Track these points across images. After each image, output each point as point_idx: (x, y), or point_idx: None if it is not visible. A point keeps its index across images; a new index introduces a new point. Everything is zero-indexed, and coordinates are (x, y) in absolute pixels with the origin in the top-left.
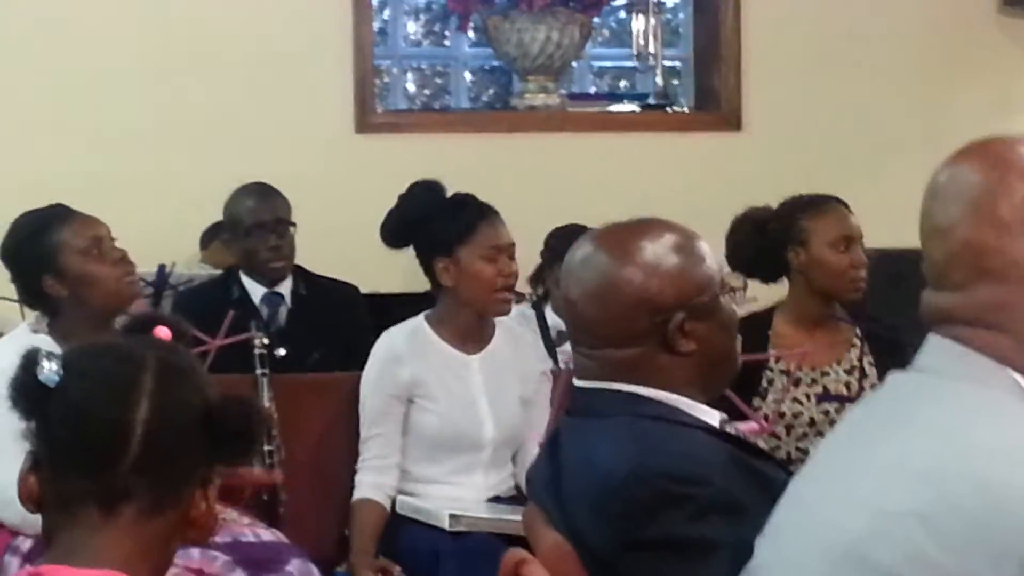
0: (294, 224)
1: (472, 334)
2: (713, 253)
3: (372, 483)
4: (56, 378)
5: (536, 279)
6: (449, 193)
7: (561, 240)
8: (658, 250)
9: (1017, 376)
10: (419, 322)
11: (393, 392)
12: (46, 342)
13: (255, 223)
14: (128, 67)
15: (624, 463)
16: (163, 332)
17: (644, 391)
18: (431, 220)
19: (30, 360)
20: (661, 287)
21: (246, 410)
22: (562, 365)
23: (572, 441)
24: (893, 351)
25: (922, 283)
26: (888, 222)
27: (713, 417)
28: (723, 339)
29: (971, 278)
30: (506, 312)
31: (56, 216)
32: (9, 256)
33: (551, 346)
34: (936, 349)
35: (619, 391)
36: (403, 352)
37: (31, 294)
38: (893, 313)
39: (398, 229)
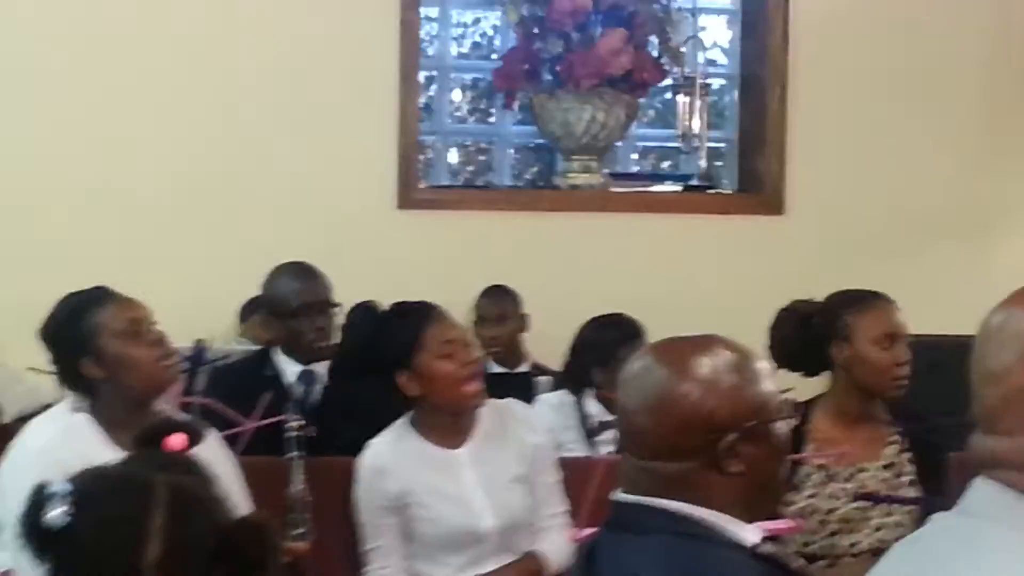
0: (339, 305)
1: (454, 430)
2: (771, 374)
3: None
4: (64, 521)
5: (576, 369)
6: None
7: (598, 331)
8: (717, 367)
9: None
10: (402, 426)
11: (383, 504)
12: (86, 422)
13: (302, 304)
14: (170, 136)
15: None
16: (176, 442)
17: (686, 509)
18: (376, 341)
19: (38, 500)
20: (717, 405)
21: (261, 536)
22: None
23: (609, 558)
24: (933, 453)
25: (960, 371)
26: (929, 309)
27: (755, 534)
28: (772, 464)
29: None
30: (480, 404)
31: (95, 298)
32: (48, 337)
33: (589, 436)
34: (984, 493)
35: (661, 509)
36: (387, 463)
37: (69, 376)
38: (930, 400)
39: (351, 362)
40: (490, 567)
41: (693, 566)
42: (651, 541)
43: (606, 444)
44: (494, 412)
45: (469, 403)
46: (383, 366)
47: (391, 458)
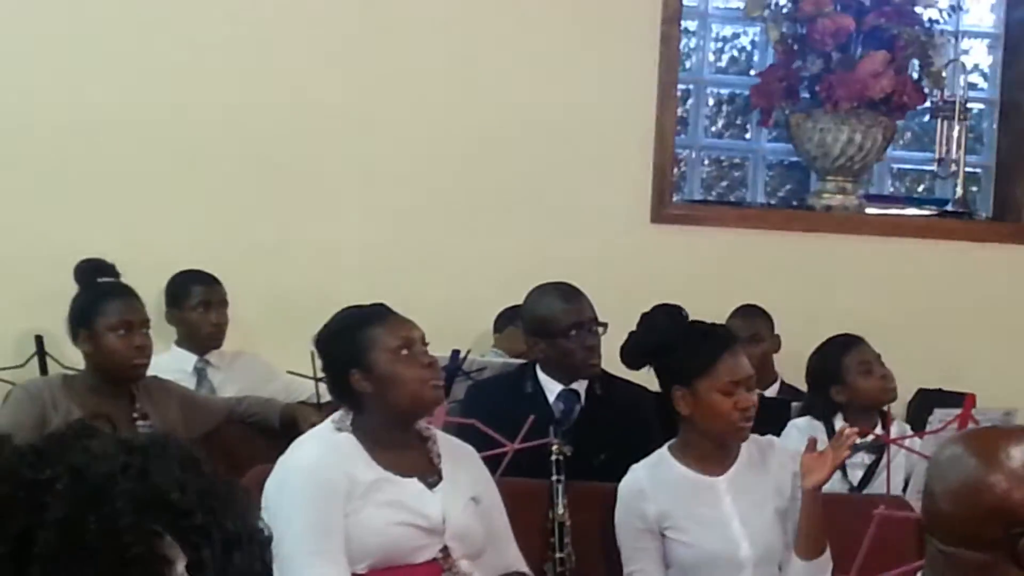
0: (605, 324)
1: (715, 457)
2: None
3: None
4: None
5: (816, 395)
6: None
7: (822, 352)
8: None
9: None
10: (662, 453)
11: (642, 527)
12: (349, 441)
13: (573, 323)
14: (427, 149)
15: None
16: None
17: None
18: (671, 349)
19: None
20: (1023, 499)
21: None
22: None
23: None
24: None
25: None
26: None
27: None
28: None
29: None
30: (744, 439)
31: (374, 314)
32: (323, 346)
33: None
34: None
35: None
36: (646, 487)
37: (338, 387)
38: None
39: (637, 353)
40: None
41: None
42: None
43: (856, 467)
44: (755, 443)
45: (733, 438)
46: (666, 372)
47: (650, 482)
